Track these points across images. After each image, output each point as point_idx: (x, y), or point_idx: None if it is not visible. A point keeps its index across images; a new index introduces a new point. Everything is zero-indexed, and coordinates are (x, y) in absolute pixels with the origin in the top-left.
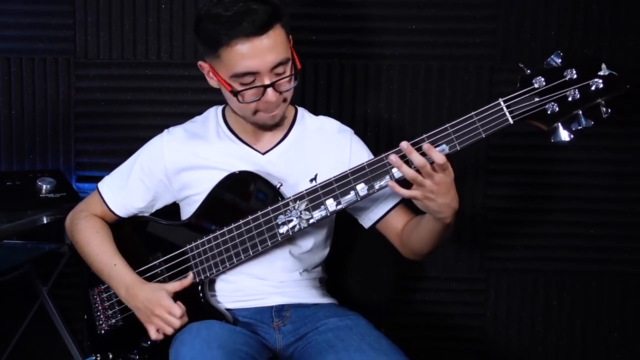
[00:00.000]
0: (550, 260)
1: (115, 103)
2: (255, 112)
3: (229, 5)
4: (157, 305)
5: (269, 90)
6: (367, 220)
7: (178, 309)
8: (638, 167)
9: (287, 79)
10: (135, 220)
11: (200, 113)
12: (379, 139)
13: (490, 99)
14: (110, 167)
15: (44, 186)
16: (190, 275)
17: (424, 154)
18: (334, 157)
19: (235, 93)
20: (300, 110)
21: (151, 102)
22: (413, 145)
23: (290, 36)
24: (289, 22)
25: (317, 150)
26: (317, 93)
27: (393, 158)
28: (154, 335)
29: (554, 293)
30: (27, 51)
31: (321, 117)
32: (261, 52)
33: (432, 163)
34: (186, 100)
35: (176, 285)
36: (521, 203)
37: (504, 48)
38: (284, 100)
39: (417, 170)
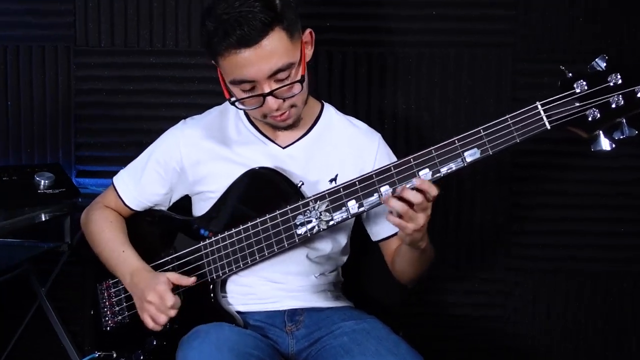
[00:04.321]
0: (577, 260)
1: (118, 93)
2: (264, 115)
3: (229, 7)
4: (150, 291)
5: (269, 98)
6: (375, 234)
7: (171, 297)
8: None
9: (288, 87)
10: (149, 215)
11: (208, 103)
12: (396, 132)
13: (513, 89)
14: (112, 161)
15: (42, 181)
16: (194, 278)
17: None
18: (358, 159)
19: (232, 102)
20: (327, 106)
21: (156, 92)
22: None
23: (304, 32)
24: (297, 19)
25: (340, 150)
26: (330, 84)
27: (384, 196)
28: (150, 324)
29: (581, 294)
30: (24, 39)
31: (348, 117)
32: (255, 62)
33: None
34: (193, 91)
35: (177, 277)
36: (546, 199)
37: (525, 36)
38: (293, 105)
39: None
